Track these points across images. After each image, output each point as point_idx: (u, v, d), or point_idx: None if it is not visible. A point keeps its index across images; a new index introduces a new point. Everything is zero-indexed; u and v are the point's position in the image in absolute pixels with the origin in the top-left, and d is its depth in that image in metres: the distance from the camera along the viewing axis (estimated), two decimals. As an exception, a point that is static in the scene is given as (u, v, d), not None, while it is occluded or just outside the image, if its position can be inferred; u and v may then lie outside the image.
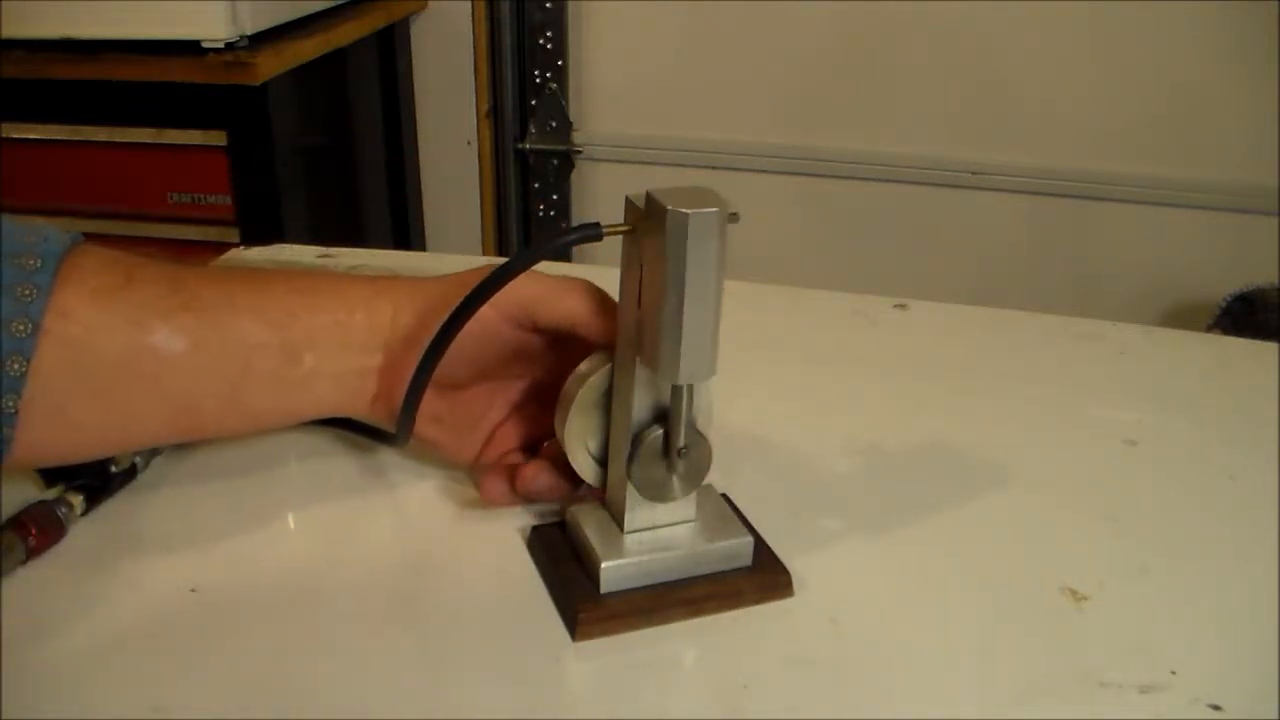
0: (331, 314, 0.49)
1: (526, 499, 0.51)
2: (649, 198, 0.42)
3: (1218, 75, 1.65)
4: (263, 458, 0.57)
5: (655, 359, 0.43)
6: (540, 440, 0.53)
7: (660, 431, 0.46)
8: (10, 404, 0.43)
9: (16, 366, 0.43)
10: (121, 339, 0.45)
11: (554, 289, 0.48)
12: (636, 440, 0.46)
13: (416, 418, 0.50)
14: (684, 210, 0.40)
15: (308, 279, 0.51)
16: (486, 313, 0.47)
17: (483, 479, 0.51)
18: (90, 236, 0.47)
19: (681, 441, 0.45)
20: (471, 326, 0.46)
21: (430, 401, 0.49)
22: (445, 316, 0.46)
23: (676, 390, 0.44)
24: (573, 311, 0.48)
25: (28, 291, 0.43)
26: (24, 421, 0.43)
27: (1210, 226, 1.73)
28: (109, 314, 0.45)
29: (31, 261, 0.44)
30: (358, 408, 0.51)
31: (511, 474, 0.50)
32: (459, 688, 0.43)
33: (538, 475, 0.50)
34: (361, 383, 0.50)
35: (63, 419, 0.45)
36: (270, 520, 0.53)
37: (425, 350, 0.47)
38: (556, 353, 0.51)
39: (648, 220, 0.42)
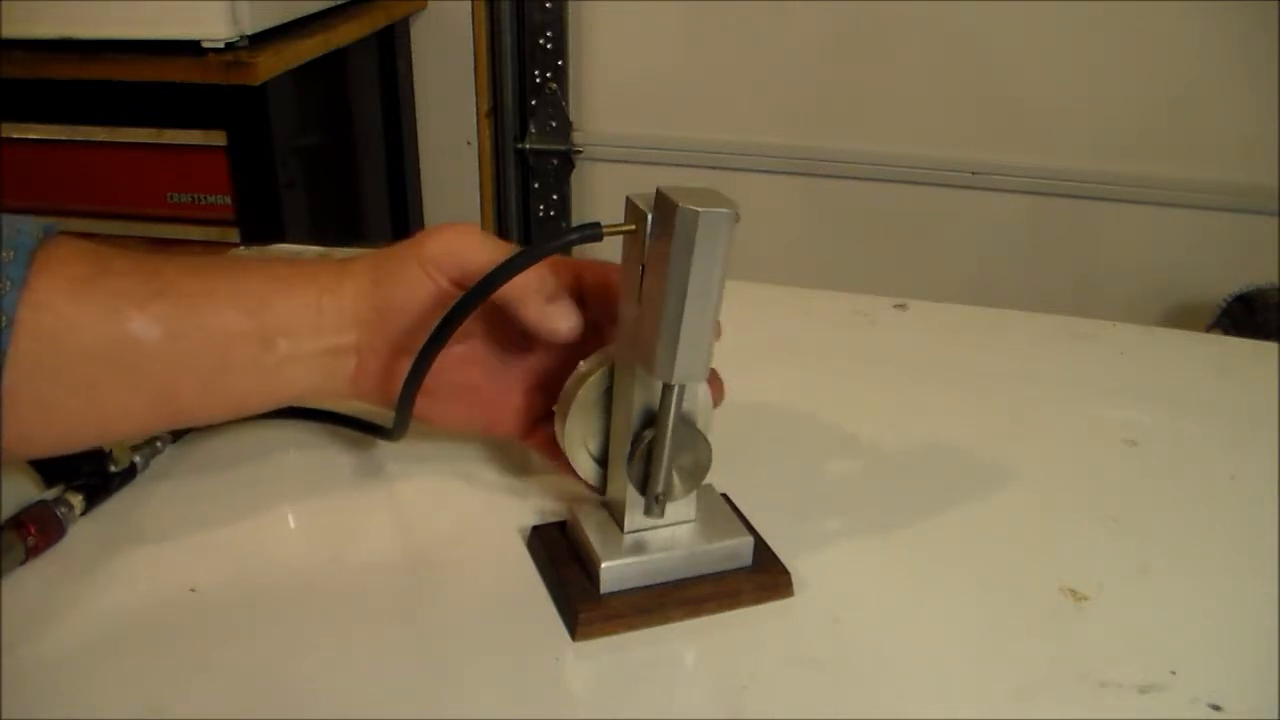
0: (303, 298, 0.49)
1: None
2: (659, 194, 0.41)
3: (1218, 75, 1.65)
4: (262, 456, 0.57)
5: (650, 357, 0.42)
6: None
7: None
8: None
9: None
10: (98, 328, 0.45)
11: (458, 242, 0.49)
12: (636, 440, 0.46)
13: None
14: (695, 208, 0.40)
15: (283, 267, 0.51)
16: (414, 271, 0.49)
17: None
18: (90, 237, 0.47)
19: (669, 441, 0.45)
20: (402, 288, 0.49)
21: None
22: (391, 290, 0.49)
23: (667, 389, 0.44)
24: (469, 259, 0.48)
25: (1, 285, 0.43)
26: (5, 414, 0.43)
27: (1210, 226, 1.73)
28: (85, 304, 0.45)
29: (4, 254, 0.43)
30: (338, 387, 0.51)
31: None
32: (459, 687, 0.43)
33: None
34: (338, 361, 0.50)
35: (44, 410, 0.45)
36: (270, 520, 0.53)
37: (421, 348, 0.47)
38: (496, 317, 0.51)
39: (655, 216, 0.42)
